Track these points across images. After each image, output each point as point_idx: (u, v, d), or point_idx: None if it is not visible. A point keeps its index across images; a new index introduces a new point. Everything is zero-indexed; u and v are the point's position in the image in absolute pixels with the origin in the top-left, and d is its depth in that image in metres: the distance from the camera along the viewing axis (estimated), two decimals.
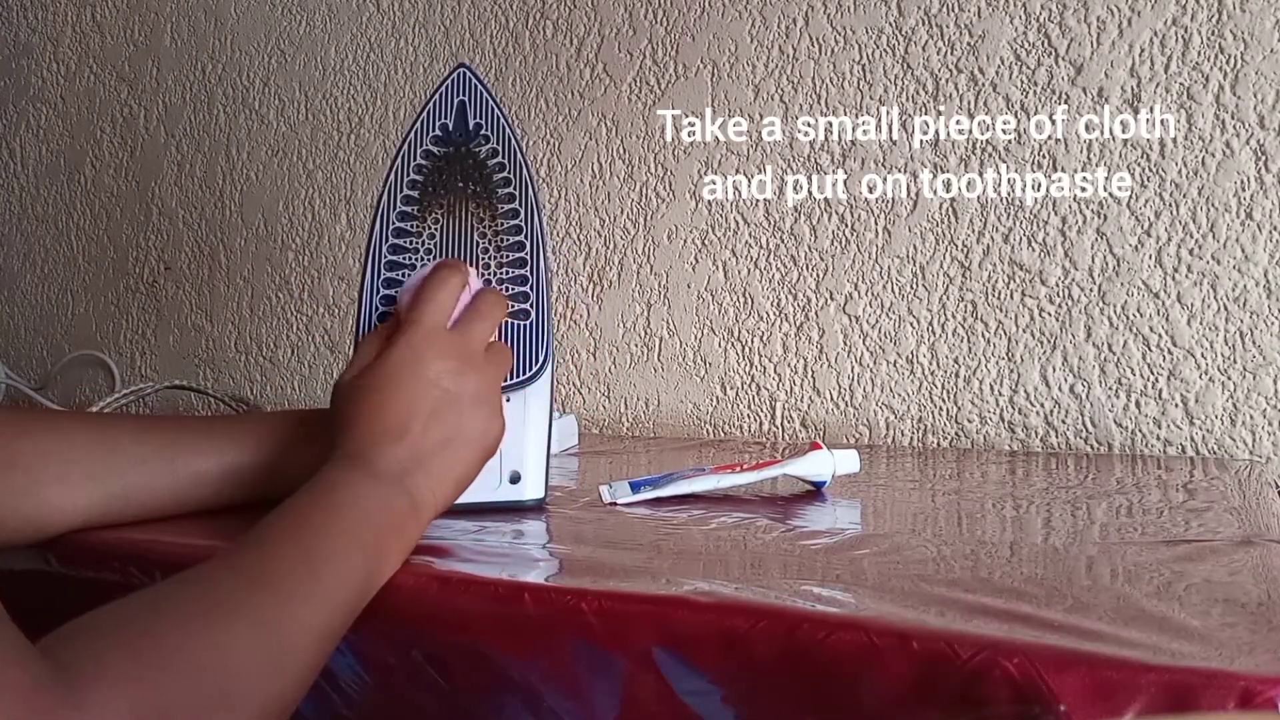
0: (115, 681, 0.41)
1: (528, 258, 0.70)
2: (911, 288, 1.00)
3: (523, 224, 0.71)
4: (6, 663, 0.38)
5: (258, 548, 0.51)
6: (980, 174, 0.97)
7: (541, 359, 0.69)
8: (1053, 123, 0.94)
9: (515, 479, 0.70)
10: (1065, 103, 0.94)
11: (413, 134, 0.72)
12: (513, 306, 0.69)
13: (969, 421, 0.99)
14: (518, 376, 0.68)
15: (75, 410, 1.34)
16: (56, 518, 0.63)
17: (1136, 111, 0.92)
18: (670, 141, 1.10)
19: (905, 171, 1.00)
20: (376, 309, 0.68)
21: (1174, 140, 0.91)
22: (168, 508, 0.65)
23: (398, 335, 0.63)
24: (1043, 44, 0.95)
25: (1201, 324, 0.91)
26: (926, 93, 0.99)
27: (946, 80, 0.98)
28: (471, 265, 0.69)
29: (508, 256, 0.70)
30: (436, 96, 0.72)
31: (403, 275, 0.68)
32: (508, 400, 0.69)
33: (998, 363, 0.98)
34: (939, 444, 1.00)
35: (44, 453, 0.63)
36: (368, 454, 0.58)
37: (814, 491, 0.75)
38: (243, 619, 0.47)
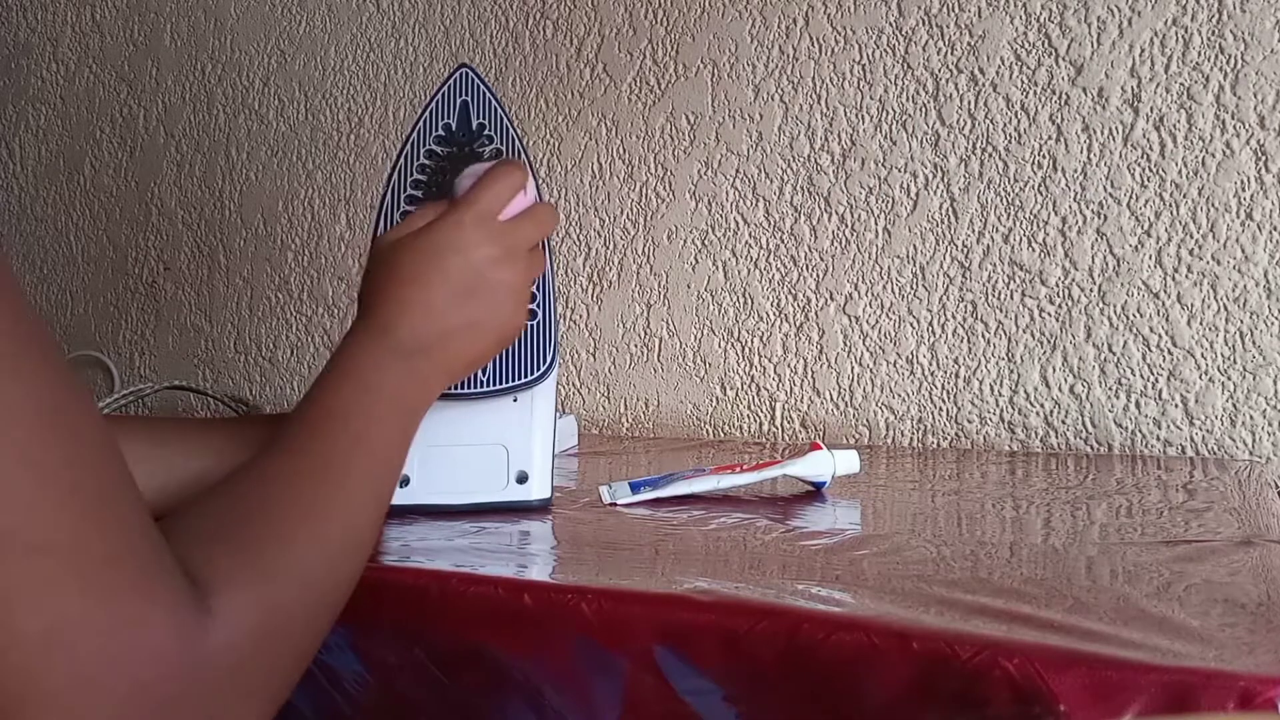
0: (240, 592, 0.42)
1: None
2: (911, 288, 1.01)
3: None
4: (157, 572, 0.39)
5: (319, 437, 0.54)
6: (980, 174, 0.97)
7: (548, 359, 0.69)
8: (1053, 123, 0.95)
9: (523, 479, 0.70)
10: (1065, 103, 0.94)
11: (415, 134, 0.72)
12: None
13: (969, 422, 0.99)
14: (525, 377, 0.68)
15: None
16: None
17: (1137, 111, 0.92)
18: (670, 141, 1.10)
19: (905, 171, 1.00)
20: None
21: (1174, 140, 0.91)
22: (167, 508, 0.65)
23: (449, 211, 0.64)
24: (1043, 44, 0.95)
25: (1201, 324, 0.91)
26: (926, 93, 0.99)
27: (946, 80, 0.98)
28: None
29: None
30: (439, 97, 0.72)
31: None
32: (514, 400, 0.69)
33: (998, 363, 0.98)
34: (939, 444, 1.00)
35: None
36: (394, 326, 0.60)
37: (814, 492, 0.75)
38: (328, 512, 0.51)
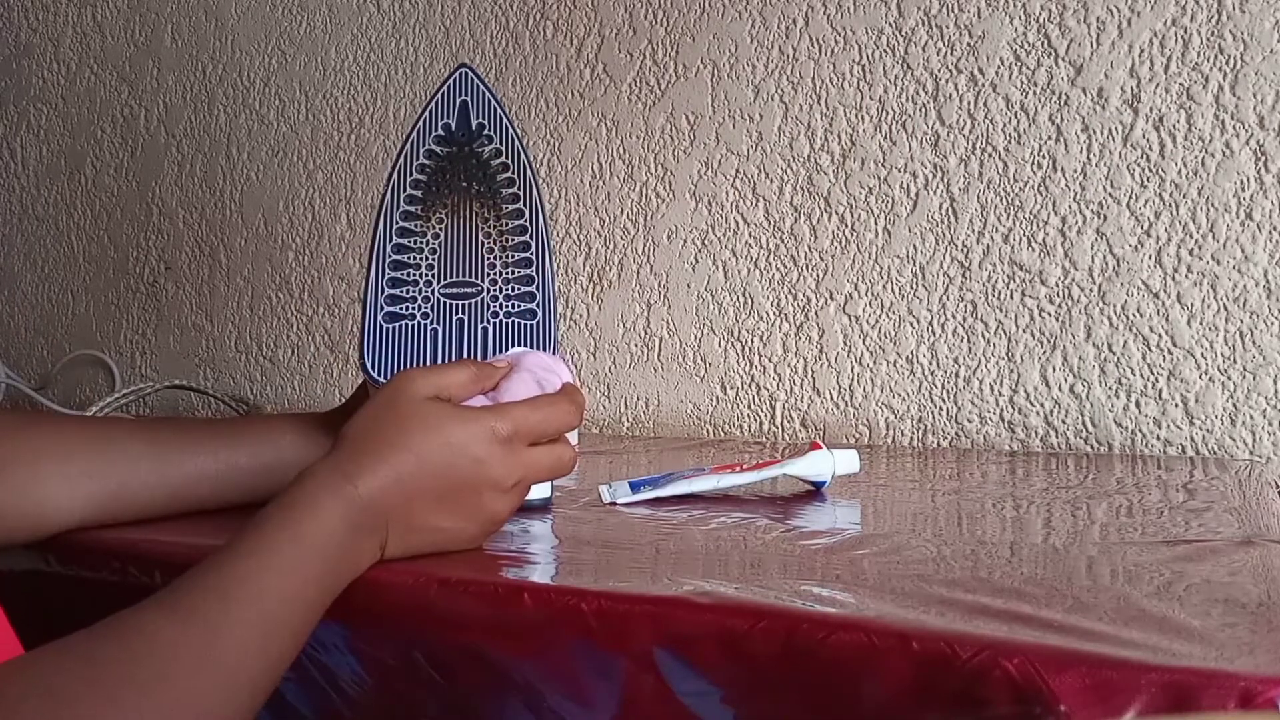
0: None
1: (533, 258, 0.70)
2: (911, 288, 1.01)
3: (528, 224, 0.71)
4: None
5: (203, 602, 0.49)
6: (980, 174, 0.97)
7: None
8: (1052, 123, 0.95)
9: None
10: (1065, 103, 0.94)
11: (415, 134, 0.72)
12: (519, 307, 0.69)
13: (969, 421, 0.99)
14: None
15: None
16: (54, 516, 0.63)
17: (1136, 112, 0.92)
18: (670, 141, 1.10)
19: (905, 171, 1.00)
20: (381, 309, 0.68)
21: (1174, 140, 0.91)
22: (166, 507, 0.65)
23: (496, 414, 0.59)
24: (1042, 44, 0.95)
25: (1201, 324, 0.91)
26: (926, 93, 0.99)
27: (946, 80, 0.98)
28: (477, 266, 0.69)
29: (513, 257, 0.70)
30: (438, 97, 0.72)
31: (407, 275, 0.68)
32: None
33: (998, 363, 0.98)
34: (939, 444, 1.00)
35: (42, 451, 0.63)
36: (359, 486, 0.54)
37: (814, 491, 0.75)
38: (185, 690, 0.45)
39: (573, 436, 1.02)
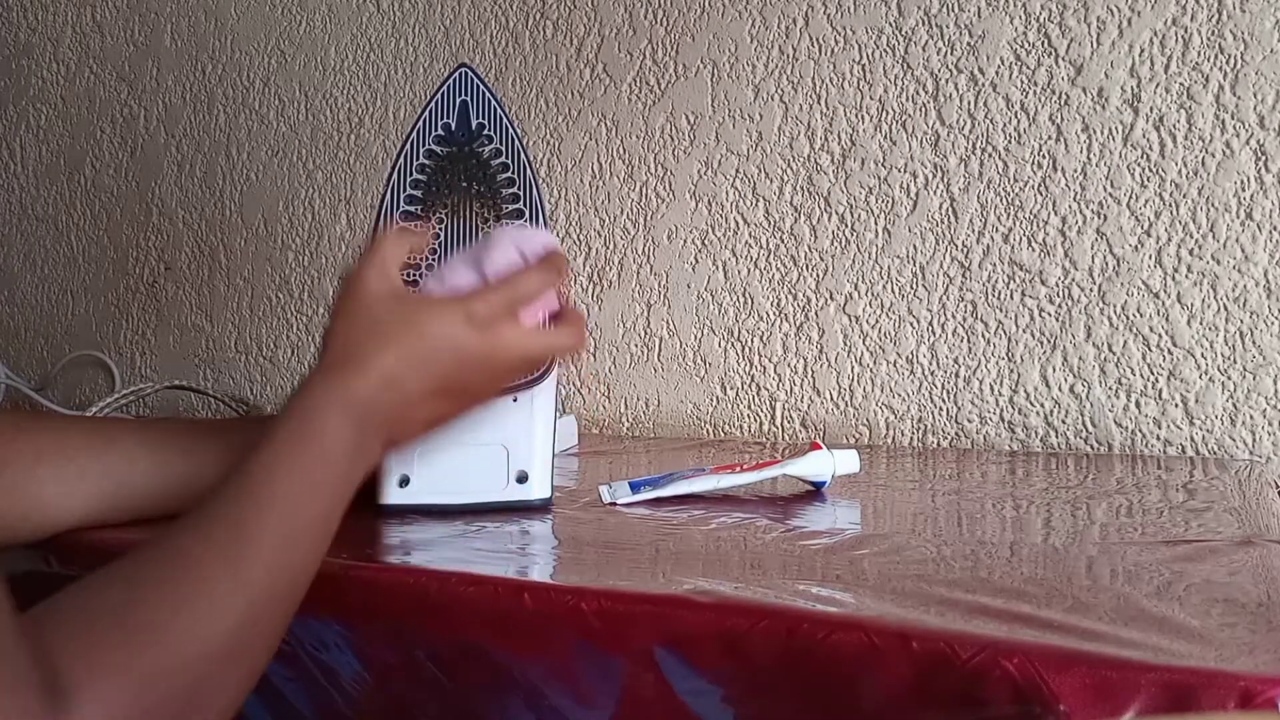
0: (104, 685, 0.41)
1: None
2: (911, 288, 1.01)
3: (527, 224, 0.71)
4: (11, 674, 0.38)
5: (225, 514, 0.51)
6: (980, 174, 0.97)
7: (548, 359, 0.69)
8: (1052, 123, 0.94)
9: (523, 479, 0.70)
10: (1065, 103, 0.94)
11: (415, 134, 0.72)
12: None
13: (969, 421, 0.99)
14: (525, 377, 0.68)
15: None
16: (53, 516, 0.63)
17: (1136, 111, 0.92)
18: (670, 141, 1.10)
19: (905, 171, 1.00)
20: None
21: (1174, 140, 0.91)
22: (165, 507, 0.65)
23: (464, 301, 0.60)
24: (1043, 44, 0.95)
25: (1201, 324, 0.91)
26: (926, 93, 0.99)
27: (946, 80, 0.98)
28: None
29: None
30: (438, 97, 0.73)
31: (407, 274, 0.68)
32: (514, 400, 0.69)
33: (998, 363, 0.98)
34: (939, 444, 1.00)
35: (41, 451, 0.63)
36: (354, 379, 0.56)
37: (814, 491, 0.75)
38: (215, 606, 0.47)
39: (573, 437, 1.02)
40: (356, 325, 0.59)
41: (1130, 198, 0.92)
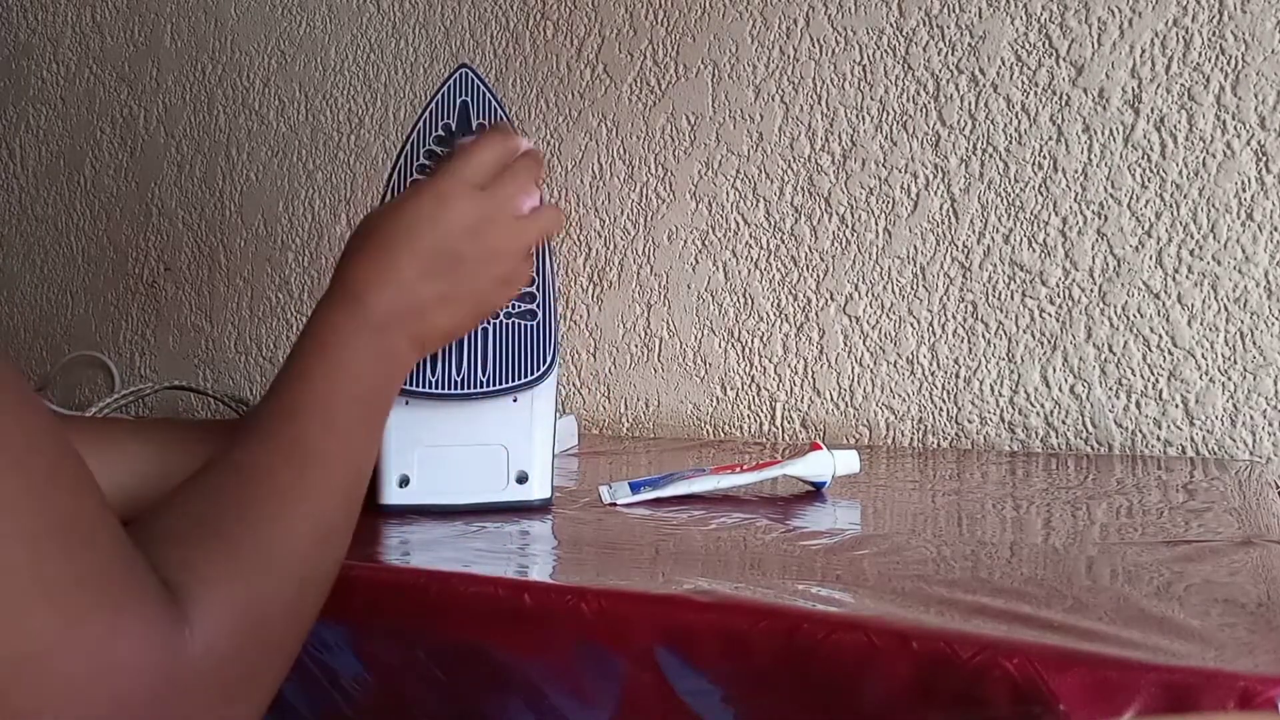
0: (217, 593, 0.42)
1: (533, 258, 0.70)
2: (912, 288, 1.01)
3: None
4: (131, 585, 0.39)
5: (287, 423, 0.53)
6: (981, 174, 0.97)
7: (548, 360, 0.69)
8: (1053, 123, 0.94)
9: (522, 479, 0.70)
10: (1066, 103, 0.94)
11: (415, 134, 0.72)
12: (519, 307, 0.69)
13: (969, 422, 0.99)
14: (524, 377, 0.68)
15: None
16: None
17: (1137, 112, 0.92)
18: (671, 142, 1.10)
19: (905, 171, 1.00)
20: None
21: (1174, 141, 0.91)
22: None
23: (427, 180, 0.63)
24: (1043, 45, 0.95)
25: (1202, 325, 0.91)
26: (927, 93, 0.99)
27: (947, 81, 0.98)
28: None
29: None
30: (438, 97, 0.72)
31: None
32: (514, 400, 0.69)
33: (998, 363, 0.98)
34: (939, 444, 1.00)
35: None
36: (362, 295, 0.59)
37: (814, 492, 0.75)
38: (298, 503, 0.50)
39: (573, 437, 1.02)
40: (350, 248, 0.62)
41: (1131, 198, 0.92)
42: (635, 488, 0.74)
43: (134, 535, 0.43)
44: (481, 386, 0.68)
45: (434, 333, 0.62)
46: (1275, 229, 0.88)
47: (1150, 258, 0.92)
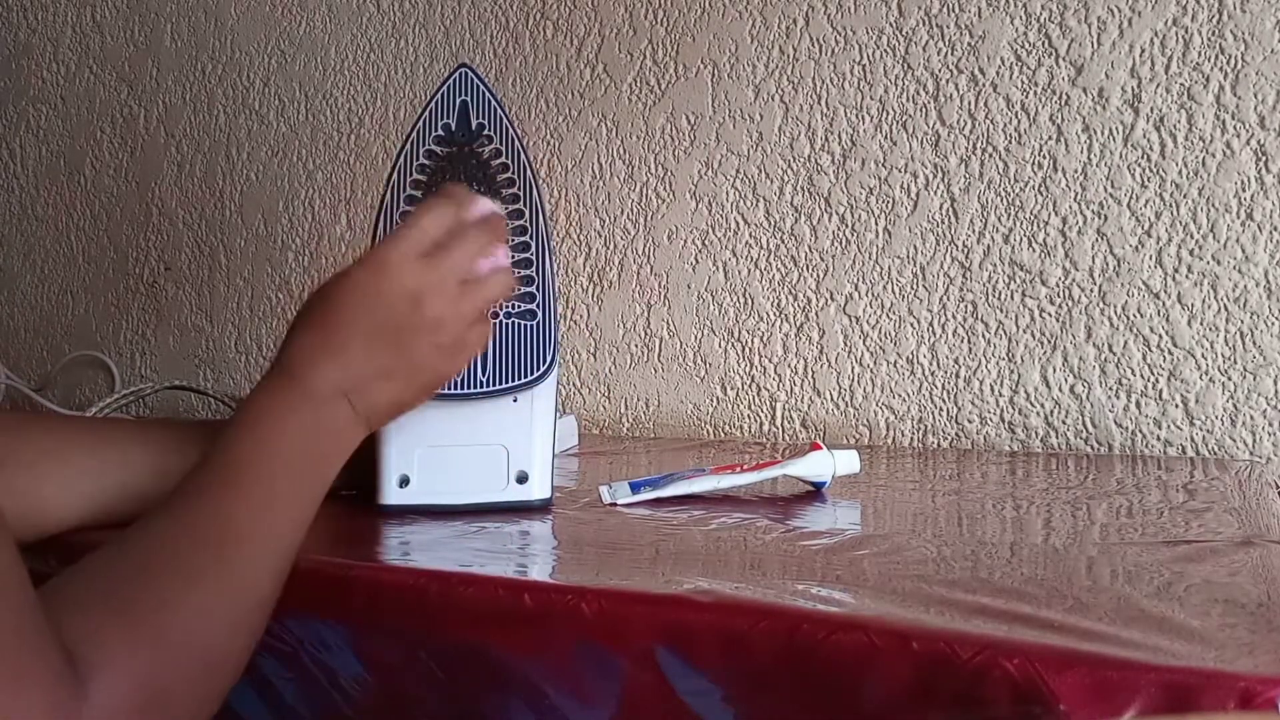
0: (117, 667, 0.42)
1: (533, 258, 0.70)
2: (912, 288, 1.01)
3: (528, 224, 0.71)
4: (32, 654, 0.39)
5: (215, 495, 0.53)
6: (980, 174, 0.97)
7: (548, 360, 0.69)
8: (1053, 123, 0.94)
9: (522, 479, 0.70)
10: (1065, 103, 0.94)
11: (415, 134, 0.72)
12: (519, 307, 0.69)
13: (969, 422, 0.99)
14: (525, 377, 0.68)
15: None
16: (53, 516, 0.63)
17: (1137, 112, 0.92)
18: (671, 141, 1.10)
19: (905, 171, 1.00)
20: None
21: (1174, 141, 0.91)
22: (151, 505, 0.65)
23: (369, 251, 0.62)
24: (1043, 44, 0.95)
25: (1202, 324, 0.91)
26: (927, 93, 0.99)
27: (947, 80, 0.98)
28: None
29: (513, 257, 0.70)
30: (438, 97, 0.73)
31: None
32: (514, 400, 0.69)
33: (998, 363, 0.98)
34: (939, 444, 1.00)
35: (41, 452, 0.63)
36: (303, 369, 0.58)
37: (814, 492, 0.75)
38: (220, 578, 0.49)
39: (573, 437, 1.02)
40: (295, 323, 0.61)
41: (1131, 198, 0.92)
42: (635, 488, 0.74)
43: (46, 598, 0.42)
44: (481, 386, 0.68)
45: (381, 406, 0.61)
46: (1275, 229, 0.88)
47: (1150, 257, 0.92)
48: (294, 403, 0.57)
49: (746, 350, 1.08)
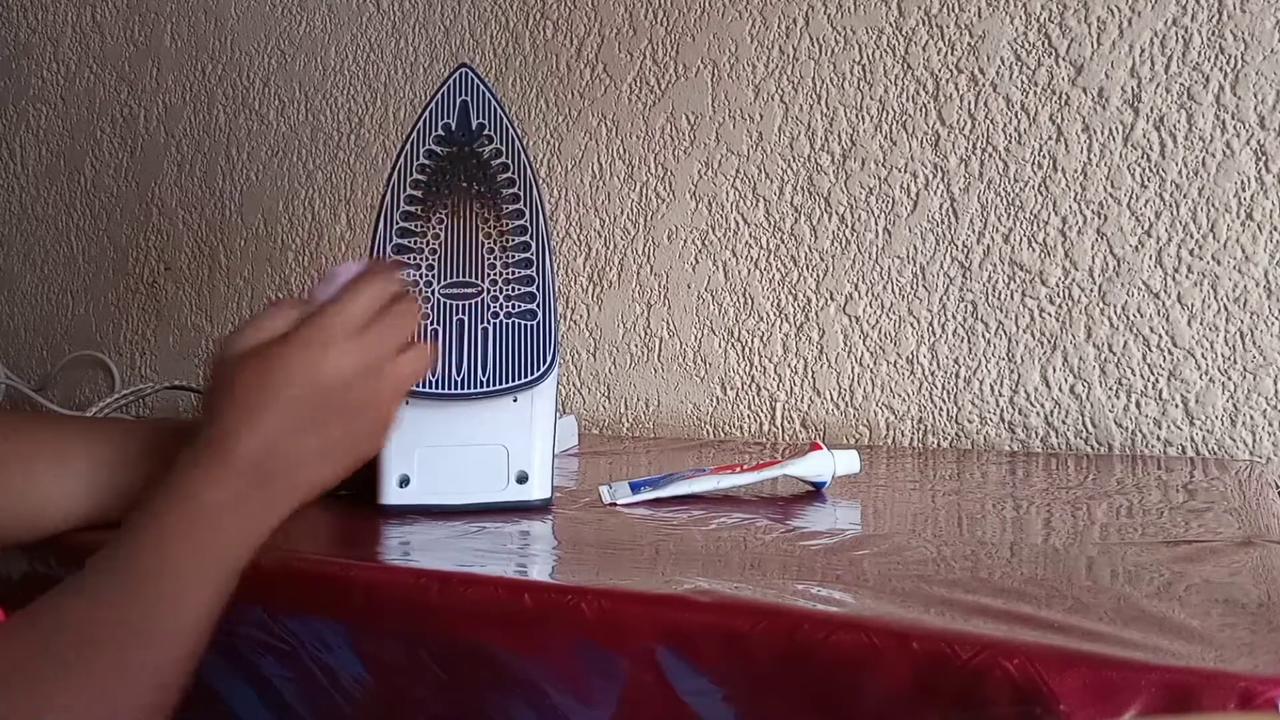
0: None
1: (533, 258, 0.70)
2: (911, 288, 1.01)
3: (528, 224, 0.71)
4: None
5: (117, 578, 0.51)
6: (980, 174, 0.97)
7: (548, 360, 0.69)
8: (1053, 123, 0.94)
9: (523, 479, 0.70)
10: (1065, 103, 0.94)
11: (415, 134, 0.72)
12: (519, 307, 0.69)
13: (969, 422, 0.99)
14: (524, 377, 0.68)
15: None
16: (52, 516, 0.63)
17: (1137, 112, 0.92)
18: (670, 141, 1.10)
19: (905, 171, 1.00)
20: None
21: (1174, 140, 0.91)
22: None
23: (302, 327, 0.59)
24: (1043, 44, 0.95)
25: (1202, 324, 0.91)
26: (926, 93, 0.99)
27: (946, 80, 0.98)
28: (477, 266, 0.69)
29: (513, 257, 0.70)
30: (438, 97, 0.72)
31: (407, 275, 0.68)
32: (514, 400, 0.69)
33: (998, 363, 0.98)
34: (939, 444, 1.00)
35: (40, 452, 0.63)
36: (228, 444, 0.55)
37: (814, 492, 0.75)
38: (114, 663, 0.48)
39: (573, 437, 1.02)
40: (215, 393, 0.58)
41: (1130, 198, 0.92)
42: (635, 488, 0.74)
43: None
44: (481, 386, 0.68)
45: (308, 486, 0.58)
46: (1275, 229, 0.88)
47: (1150, 257, 0.92)
48: (218, 480, 0.54)
49: (746, 350, 1.08)
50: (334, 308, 0.59)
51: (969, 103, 0.97)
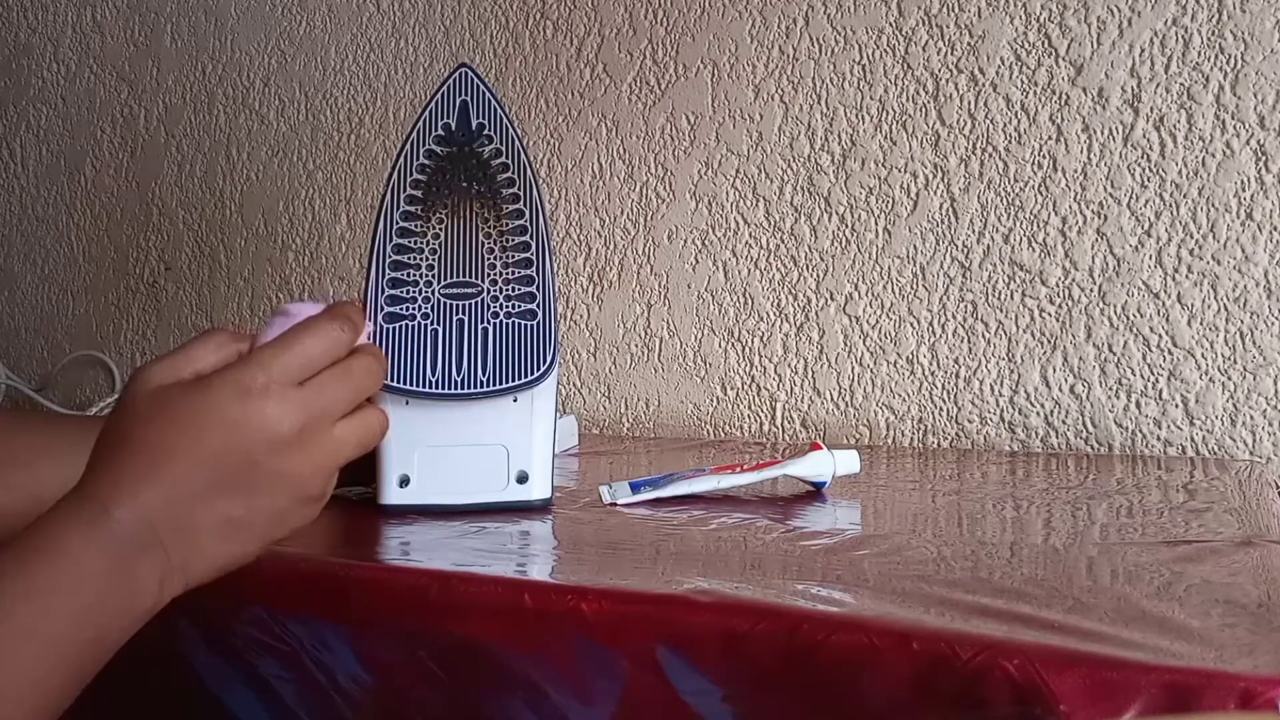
0: None
1: (533, 258, 0.70)
2: (911, 288, 1.01)
3: (528, 224, 0.71)
4: None
5: None
6: (980, 174, 0.97)
7: (548, 360, 0.69)
8: (1053, 123, 0.94)
9: (523, 479, 0.70)
10: (1065, 103, 0.94)
11: (415, 134, 0.72)
12: (519, 307, 0.69)
13: (969, 422, 0.99)
14: (524, 377, 0.68)
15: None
16: None
17: (1137, 112, 0.92)
18: (670, 141, 1.10)
19: (905, 171, 1.00)
20: (381, 309, 0.68)
21: (1174, 140, 0.91)
22: None
23: (235, 367, 0.49)
24: (1043, 44, 0.95)
25: (1202, 324, 0.91)
26: (926, 93, 0.99)
27: (946, 80, 0.98)
28: (477, 266, 0.69)
29: (513, 257, 0.70)
30: (438, 97, 0.72)
31: (407, 275, 0.68)
32: (514, 400, 0.69)
33: (998, 363, 0.98)
34: (939, 444, 1.00)
35: (40, 450, 0.63)
36: (112, 501, 0.46)
37: (814, 492, 0.75)
38: None
39: (573, 437, 1.02)
40: (122, 431, 0.49)
41: (1130, 198, 0.92)
42: (635, 488, 0.74)
43: None
44: (481, 386, 0.68)
45: (207, 564, 0.49)
46: (1275, 229, 0.88)
47: (1150, 257, 0.92)
48: (93, 537, 0.45)
49: (746, 350, 1.08)
50: (277, 350, 0.50)
51: (969, 103, 0.97)
